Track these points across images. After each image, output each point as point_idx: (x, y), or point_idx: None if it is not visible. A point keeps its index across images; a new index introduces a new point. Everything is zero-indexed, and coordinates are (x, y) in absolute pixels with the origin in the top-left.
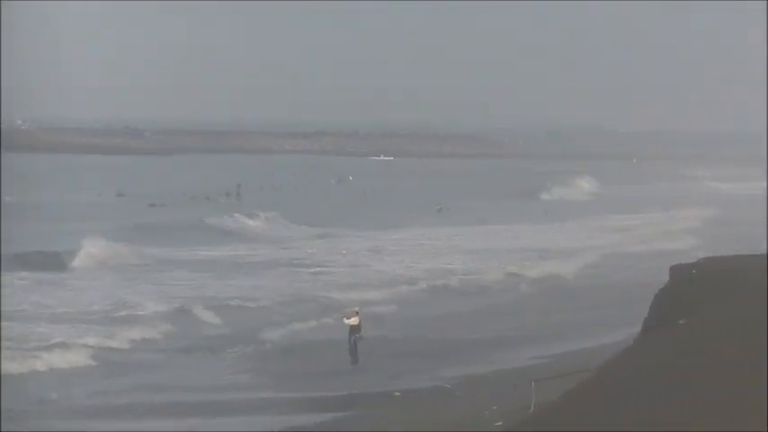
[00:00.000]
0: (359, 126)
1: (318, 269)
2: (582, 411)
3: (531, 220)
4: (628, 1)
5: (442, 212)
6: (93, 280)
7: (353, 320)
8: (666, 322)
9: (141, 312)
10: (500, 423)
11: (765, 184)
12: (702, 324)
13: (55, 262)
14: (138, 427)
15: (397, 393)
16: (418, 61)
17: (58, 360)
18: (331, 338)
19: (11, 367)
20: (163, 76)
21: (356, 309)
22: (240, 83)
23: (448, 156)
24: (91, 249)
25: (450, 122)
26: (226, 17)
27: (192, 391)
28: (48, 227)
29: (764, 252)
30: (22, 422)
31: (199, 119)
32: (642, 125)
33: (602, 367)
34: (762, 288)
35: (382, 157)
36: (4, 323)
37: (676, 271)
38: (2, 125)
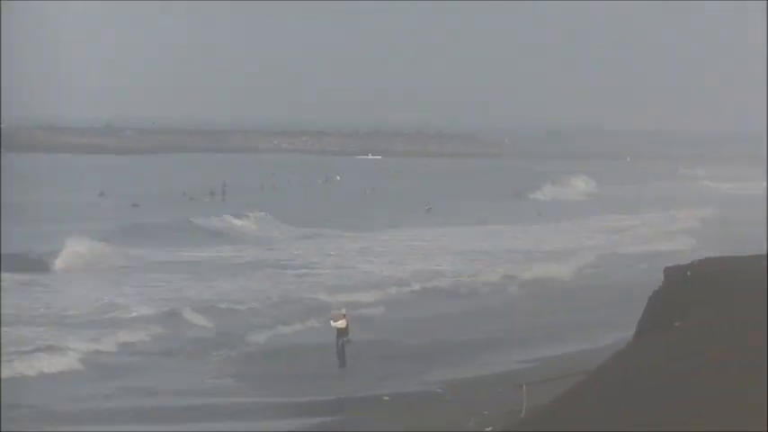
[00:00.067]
0: (345, 125)
1: (305, 270)
2: (574, 416)
3: (524, 221)
4: (627, 1)
5: (432, 212)
6: (77, 282)
7: (340, 323)
8: (661, 324)
9: (127, 315)
10: (490, 428)
11: (764, 183)
12: (698, 326)
13: (38, 264)
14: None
15: (386, 397)
16: (412, 61)
17: (44, 364)
18: (318, 341)
19: None
20: (150, 75)
21: (343, 311)
22: (226, 82)
23: (438, 155)
24: (75, 250)
25: (442, 122)
26: (226, 17)
27: (178, 395)
28: (28, 228)
29: (762, 253)
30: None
31: (180, 117)
32: (640, 125)
33: (594, 371)
34: (759, 289)
35: (370, 156)
36: None
37: (671, 272)
38: None
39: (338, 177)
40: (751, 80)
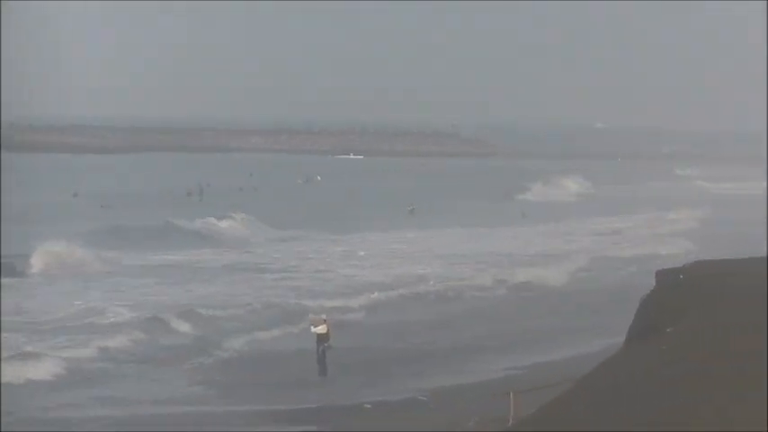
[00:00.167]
0: (330, 123)
1: (284, 274)
2: (562, 425)
3: (510, 223)
4: (626, 1)
5: (415, 214)
6: (53, 286)
7: (321, 329)
8: (652, 330)
9: (104, 321)
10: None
11: (760, 183)
12: (690, 332)
13: (10, 267)
14: None
15: (368, 405)
16: (412, 61)
17: (19, 371)
18: (298, 348)
19: None
20: (150, 75)
21: (324, 316)
22: (226, 82)
23: (423, 154)
24: (51, 253)
25: (430, 120)
26: (226, 17)
27: (152, 403)
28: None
29: (756, 255)
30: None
31: (155, 116)
32: (634, 123)
33: (583, 378)
34: (754, 293)
35: (352, 156)
36: None
37: (663, 276)
38: None
39: (319, 178)
40: (749, 80)
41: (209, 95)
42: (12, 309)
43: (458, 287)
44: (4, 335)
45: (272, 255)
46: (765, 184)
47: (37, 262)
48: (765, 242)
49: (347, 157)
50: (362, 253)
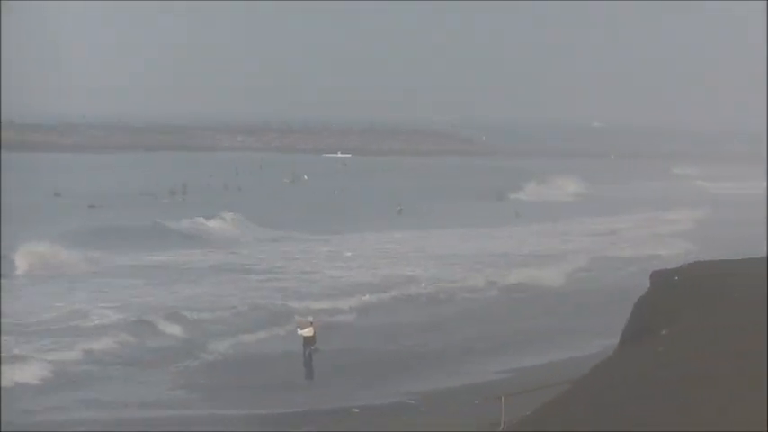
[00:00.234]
0: (316, 122)
1: (270, 276)
2: (556, 428)
3: (503, 223)
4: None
5: (404, 214)
6: (36, 287)
7: (307, 331)
8: (647, 332)
9: (89, 324)
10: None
11: (759, 183)
12: (685, 334)
13: None
14: None
15: (356, 410)
16: (412, 60)
17: (6, 375)
18: (284, 350)
19: None
20: (150, 75)
21: (310, 318)
22: (226, 81)
23: (414, 153)
24: (34, 254)
25: (419, 119)
26: (226, 17)
27: (136, 407)
28: None
29: (755, 256)
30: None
31: (139, 115)
32: (631, 122)
33: (577, 381)
34: (750, 294)
35: (339, 155)
36: None
37: (657, 277)
38: None
39: (306, 177)
40: (747, 80)
41: (206, 95)
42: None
43: (449, 288)
44: None
45: (257, 255)
46: (765, 183)
47: (21, 263)
48: (765, 243)
49: (335, 155)
50: (349, 254)
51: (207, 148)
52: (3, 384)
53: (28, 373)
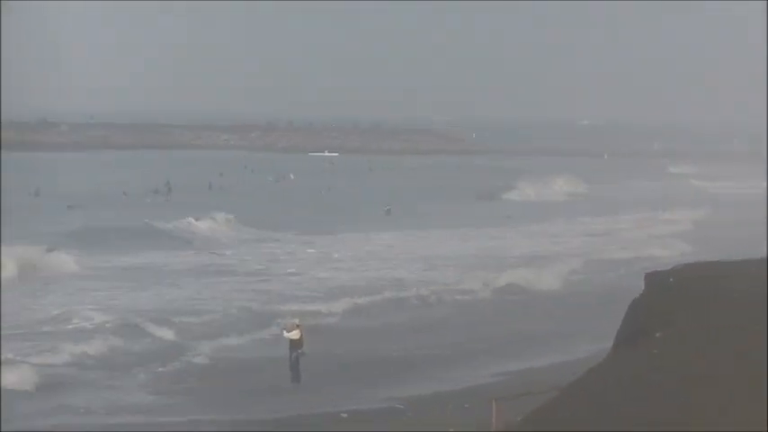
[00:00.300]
0: (300, 120)
1: (255, 277)
2: None
3: (494, 223)
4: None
5: (392, 215)
6: (14, 291)
7: (294, 334)
8: (641, 334)
9: (68, 327)
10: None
11: (758, 182)
12: (680, 337)
13: None
14: None
15: (344, 415)
16: (412, 60)
17: None
18: (270, 354)
19: None
20: (150, 75)
21: (297, 321)
22: (226, 81)
23: (400, 152)
24: (11, 255)
25: (406, 117)
26: (226, 17)
27: (120, 412)
28: None
29: (754, 257)
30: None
31: (120, 112)
32: (626, 120)
33: (569, 385)
34: (746, 296)
35: (326, 153)
36: None
37: (652, 278)
38: None
39: (292, 176)
40: (745, 79)
41: (196, 95)
42: None
43: (438, 291)
44: None
45: (242, 257)
46: (764, 183)
47: (10, 266)
48: (764, 243)
49: (322, 154)
50: (337, 255)
51: (190, 146)
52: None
53: (9, 378)
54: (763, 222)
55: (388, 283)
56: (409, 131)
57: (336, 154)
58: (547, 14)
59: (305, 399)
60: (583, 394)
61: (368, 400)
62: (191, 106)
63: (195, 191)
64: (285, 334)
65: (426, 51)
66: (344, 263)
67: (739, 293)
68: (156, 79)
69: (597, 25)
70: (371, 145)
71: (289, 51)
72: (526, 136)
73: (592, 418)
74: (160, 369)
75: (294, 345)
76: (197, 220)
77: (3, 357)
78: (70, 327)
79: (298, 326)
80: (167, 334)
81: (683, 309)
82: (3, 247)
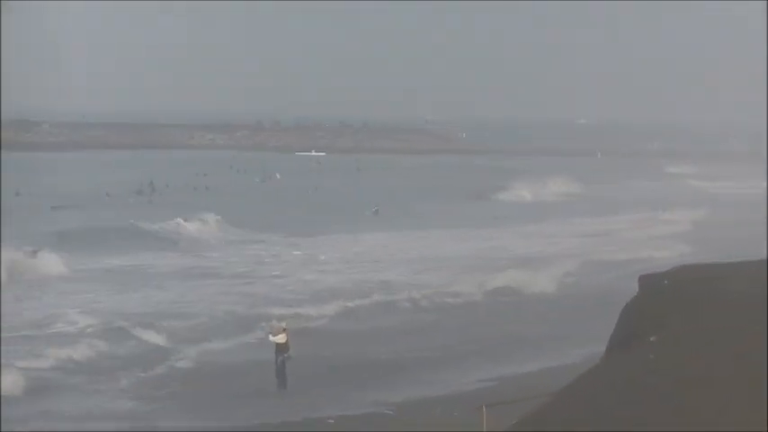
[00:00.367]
0: (282, 118)
1: (240, 280)
2: None
3: (486, 224)
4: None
5: (380, 215)
6: (6, 293)
7: (280, 338)
8: (635, 338)
9: (53, 331)
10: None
11: (756, 182)
12: (675, 341)
13: None
14: None
15: (331, 420)
16: (412, 60)
17: None
18: (255, 358)
19: None
20: (150, 75)
21: (283, 324)
22: (226, 81)
23: (390, 151)
24: (3, 259)
25: (394, 116)
26: (226, 17)
27: (102, 418)
28: None
29: (750, 258)
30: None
31: (103, 111)
32: (621, 119)
33: (561, 391)
34: (742, 298)
35: (313, 153)
36: None
37: (646, 281)
38: None
39: (278, 176)
40: (741, 78)
41: (208, 95)
42: None
43: (428, 293)
44: None
45: (226, 259)
46: (762, 182)
47: None
48: (763, 244)
49: (309, 154)
50: (323, 257)
51: (175, 145)
52: None
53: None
54: (762, 223)
55: (377, 285)
56: (400, 131)
57: (323, 153)
58: (547, 14)
59: (291, 403)
60: (575, 399)
61: (356, 406)
62: (178, 106)
63: (180, 192)
64: (271, 338)
65: (426, 51)
66: (332, 265)
67: (735, 296)
68: (144, 79)
69: (595, 25)
70: (361, 144)
71: (288, 51)
72: (523, 135)
73: (584, 423)
74: (144, 374)
75: (280, 349)
76: (186, 221)
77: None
78: (54, 330)
79: (284, 329)
80: (152, 337)
81: (677, 312)
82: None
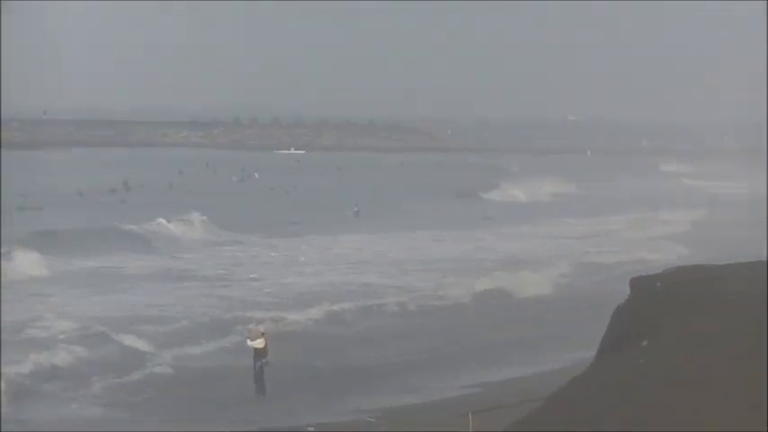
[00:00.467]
0: (263, 115)
1: (217, 283)
2: None
3: (473, 225)
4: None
5: (361, 215)
6: None
7: (258, 342)
8: (627, 342)
9: (22, 337)
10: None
11: (753, 181)
12: (668, 345)
13: None
14: None
15: (311, 428)
16: (412, 60)
17: None
18: (232, 363)
19: None
20: (150, 74)
21: (261, 328)
22: (226, 81)
23: (370, 149)
24: None
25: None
26: (226, 17)
27: (74, 425)
28: None
29: (748, 259)
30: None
31: (75, 108)
32: (608, 117)
33: (550, 397)
34: (738, 300)
35: (293, 151)
36: None
37: (638, 283)
38: None
39: (257, 175)
40: (738, 75)
41: (208, 95)
42: None
43: (412, 297)
44: None
45: (201, 261)
46: (760, 182)
47: None
48: (761, 245)
49: (288, 152)
50: (303, 259)
51: (150, 143)
52: None
53: None
54: (759, 223)
55: (358, 288)
56: (384, 128)
57: (303, 152)
58: (547, 14)
59: (270, 410)
60: (565, 404)
61: (337, 413)
62: (158, 103)
63: (155, 191)
64: (249, 342)
65: (426, 51)
66: (310, 267)
67: (729, 298)
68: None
69: (594, 25)
70: (342, 142)
71: (288, 51)
72: (517, 134)
73: (575, 428)
74: (120, 379)
75: (258, 354)
76: (162, 221)
77: None
78: (22, 337)
79: (262, 334)
80: (128, 341)
81: (669, 314)
82: None
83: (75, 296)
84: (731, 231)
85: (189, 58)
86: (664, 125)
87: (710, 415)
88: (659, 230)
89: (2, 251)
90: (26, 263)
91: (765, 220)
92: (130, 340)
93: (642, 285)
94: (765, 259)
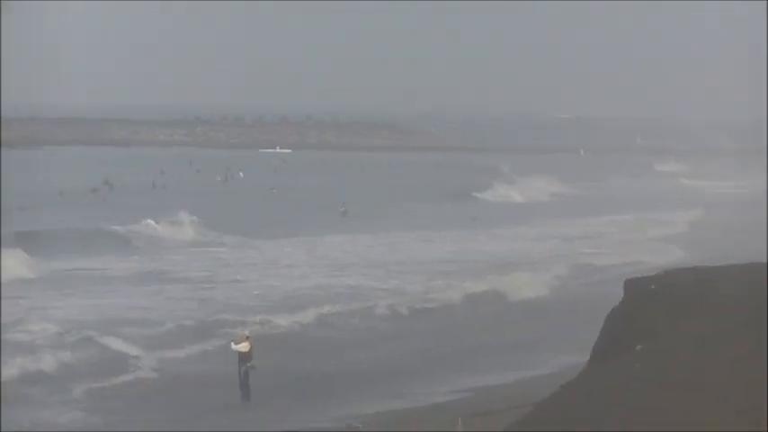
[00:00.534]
0: (247, 113)
1: (199, 285)
2: None
3: (463, 226)
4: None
5: (348, 215)
6: None
7: (243, 346)
8: (620, 346)
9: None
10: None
11: (752, 182)
12: (662, 349)
13: None
14: None
15: None
16: (412, 60)
17: None
18: (217, 368)
19: None
20: (150, 74)
21: (246, 332)
22: (226, 81)
23: (359, 148)
24: None
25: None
26: (226, 17)
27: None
28: None
29: (747, 261)
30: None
31: (54, 105)
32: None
33: (542, 402)
34: (734, 303)
35: (278, 150)
36: None
37: (632, 285)
38: None
39: (241, 174)
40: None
41: (208, 95)
42: None
43: (400, 299)
44: None
45: (186, 262)
46: (755, 181)
47: None
48: (759, 246)
49: (273, 151)
50: (289, 261)
51: (132, 142)
52: None
53: None
54: (756, 223)
55: (345, 291)
56: (370, 127)
57: (289, 150)
58: (546, 14)
59: (255, 416)
60: (557, 412)
61: (323, 419)
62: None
63: (137, 190)
64: (234, 346)
65: (426, 51)
66: (296, 269)
67: (723, 299)
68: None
69: (593, 25)
70: (328, 141)
71: (288, 51)
72: (509, 133)
73: (576, 425)
74: (102, 384)
75: (243, 358)
76: (143, 222)
77: None
78: (8, 339)
79: (247, 337)
80: (111, 344)
81: (664, 317)
82: None
83: (57, 298)
84: (728, 232)
85: (173, 57)
86: (659, 123)
87: (704, 418)
88: (655, 232)
89: None
90: (9, 264)
91: (764, 219)
92: (114, 343)
93: (636, 287)
94: (762, 261)
